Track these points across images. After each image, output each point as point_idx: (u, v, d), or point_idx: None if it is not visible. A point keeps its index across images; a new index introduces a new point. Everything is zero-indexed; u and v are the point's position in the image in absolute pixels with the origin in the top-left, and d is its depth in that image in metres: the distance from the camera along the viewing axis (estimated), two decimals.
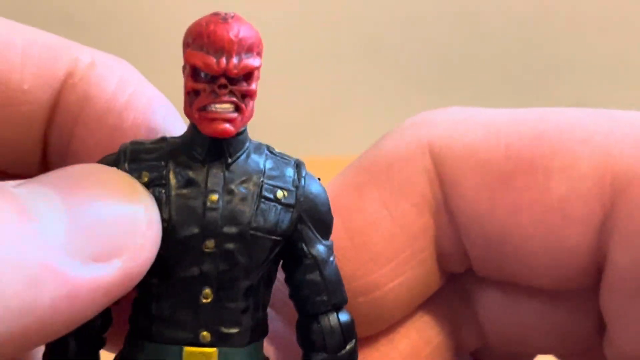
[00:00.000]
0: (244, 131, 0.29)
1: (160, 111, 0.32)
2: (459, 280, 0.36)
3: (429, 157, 0.33)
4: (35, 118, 0.32)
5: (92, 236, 0.26)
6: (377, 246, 0.33)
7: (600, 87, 1.05)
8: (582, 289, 0.33)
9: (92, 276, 0.25)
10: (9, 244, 0.24)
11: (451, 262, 0.34)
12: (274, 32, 1.03)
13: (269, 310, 0.31)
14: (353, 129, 1.03)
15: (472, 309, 0.36)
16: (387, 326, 0.35)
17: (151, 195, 0.28)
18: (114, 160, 0.29)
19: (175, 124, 0.32)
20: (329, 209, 0.31)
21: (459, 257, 0.34)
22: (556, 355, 0.38)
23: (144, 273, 0.27)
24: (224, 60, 0.28)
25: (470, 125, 0.33)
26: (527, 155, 0.32)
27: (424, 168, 0.33)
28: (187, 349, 0.29)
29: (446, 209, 0.33)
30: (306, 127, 1.06)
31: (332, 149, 1.01)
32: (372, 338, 0.35)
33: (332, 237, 0.31)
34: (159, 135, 0.31)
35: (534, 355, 0.40)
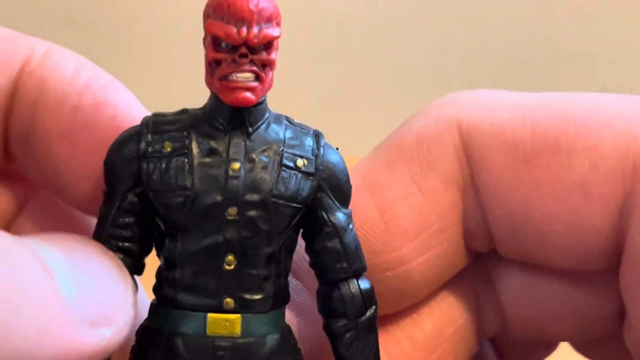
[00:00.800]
0: (264, 101, 0.30)
1: (118, 90, 0.32)
2: (482, 262, 0.37)
3: (457, 135, 0.34)
4: None
5: (92, 302, 0.27)
6: (406, 220, 0.33)
7: (598, 85, 1.06)
8: (602, 271, 0.34)
9: (88, 340, 0.26)
10: (33, 290, 0.25)
11: (477, 240, 0.35)
12: None
13: (292, 280, 0.31)
14: (353, 129, 1.03)
15: (494, 291, 0.37)
16: (413, 302, 0.35)
17: (130, 276, 0.29)
18: (136, 132, 0.30)
19: (132, 104, 0.32)
20: (348, 177, 0.31)
21: (484, 235, 0.35)
22: (573, 343, 0.39)
23: (114, 350, 0.28)
24: (244, 29, 0.28)
25: (498, 105, 0.34)
26: (552, 135, 0.32)
27: (452, 145, 0.34)
28: (211, 315, 0.29)
29: (473, 185, 0.34)
30: None
31: None
32: (397, 317, 0.35)
33: (362, 211, 0.32)
34: (114, 115, 0.31)
35: (551, 346, 0.40)
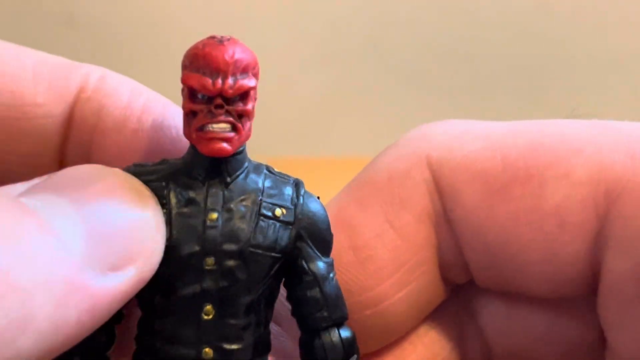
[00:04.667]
0: (243, 151, 0.30)
1: (176, 115, 0.33)
2: (463, 293, 0.37)
3: (427, 170, 0.34)
4: (51, 132, 0.33)
5: (108, 246, 0.26)
6: (381, 259, 0.33)
7: (599, 87, 1.06)
8: (583, 297, 0.34)
9: (112, 285, 0.26)
10: (38, 266, 0.24)
11: (453, 272, 0.35)
12: (274, 32, 1.03)
13: (275, 327, 0.31)
14: (353, 130, 1.03)
15: (476, 322, 0.37)
16: (394, 339, 0.35)
17: (154, 196, 0.29)
18: None
19: None
20: (329, 226, 0.31)
21: (461, 267, 0.35)
22: None
23: (153, 273, 0.28)
24: (219, 81, 0.28)
25: (467, 137, 0.34)
26: (523, 165, 0.32)
27: (423, 180, 0.34)
28: None
29: (446, 219, 0.34)
30: (306, 127, 1.06)
31: (332, 149, 1.02)
32: (379, 354, 0.35)
33: (337, 251, 0.32)
34: (175, 137, 0.32)
35: None
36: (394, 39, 1.06)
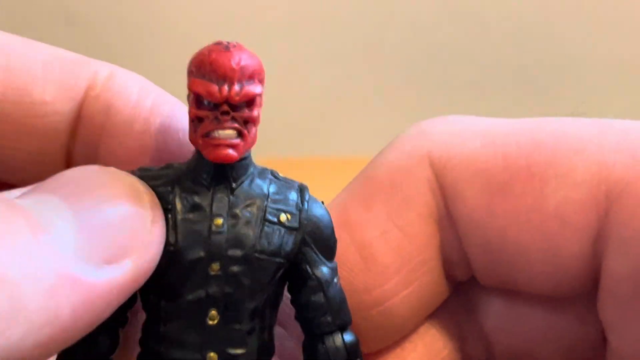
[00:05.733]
0: (248, 157, 0.30)
1: (184, 117, 0.33)
2: (465, 292, 0.37)
3: (429, 168, 0.34)
4: (59, 130, 0.33)
5: (102, 240, 0.27)
6: (385, 258, 0.34)
7: (600, 88, 1.06)
8: (584, 296, 0.34)
9: (107, 279, 0.26)
10: (26, 260, 0.25)
11: (456, 269, 0.35)
12: (274, 32, 1.03)
13: (280, 329, 0.31)
14: (353, 130, 1.03)
15: (477, 321, 0.37)
16: (399, 337, 0.35)
17: (152, 192, 0.29)
18: None
19: None
20: (332, 231, 0.31)
21: (464, 264, 0.35)
22: None
23: (154, 268, 0.28)
24: (225, 87, 0.28)
25: (469, 135, 0.34)
26: (524, 163, 0.32)
27: (425, 178, 0.34)
28: None
29: (448, 217, 0.34)
30: (306, 127, 1.06)
31: (332, 149, 1.02)
32: (379, 354, 0.36)
33: (340, 251, 0.32)
34: (182, 139, 0.32)
35: None
36: (394, 39, 1.06)
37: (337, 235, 0.32)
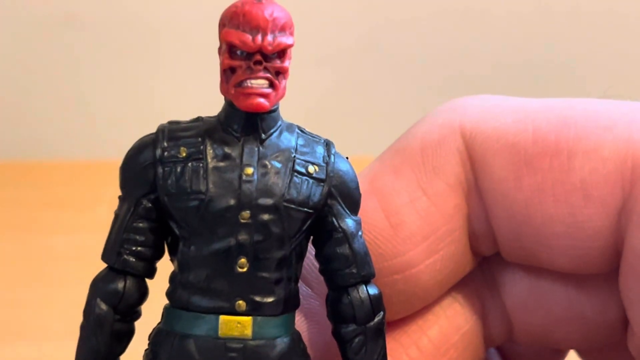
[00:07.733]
0: (277, 109, 0.31)
1: None
2: (488, 268, 0.37)
3: (460, 139, 0.34)
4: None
5: None
6: (413, 225, 0.34)
7: (599, 87, 1.07)
8: (606, 276, 0.34)
9: None
10: None
11: (481, 242, 0.36)
12: None
13: (302, 286, 0.32)
14: (353, 130, 1.04)
15: (499, 297, 0.37)
16: (422, 306, 0.36)
17: None
18: (152, 139, 0.31)
19: None
20: (357, 185, 0.32)
21: (489, 237, 0.35)
22: (580, 351, 0.39)
23: None
24: (259, 37, 0.29)
25: (500, 110, 0.35)
26: (553, 138, 0.33)
27: (456, 149, 0.34)
28: (223, 317, 0.30)
29: (476, 189, 0.35)
30: (306, 127, 1.06)
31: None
32: (403, 324, 0.36)
33: (369, 217, 0.33)
34: None
35: (559, 356, 0.41)
36: (395, 39, 1.06)
37: (365, 201, 0.33)
